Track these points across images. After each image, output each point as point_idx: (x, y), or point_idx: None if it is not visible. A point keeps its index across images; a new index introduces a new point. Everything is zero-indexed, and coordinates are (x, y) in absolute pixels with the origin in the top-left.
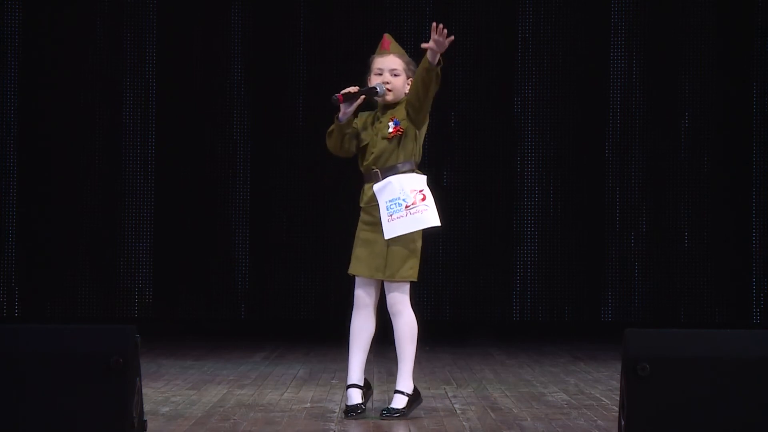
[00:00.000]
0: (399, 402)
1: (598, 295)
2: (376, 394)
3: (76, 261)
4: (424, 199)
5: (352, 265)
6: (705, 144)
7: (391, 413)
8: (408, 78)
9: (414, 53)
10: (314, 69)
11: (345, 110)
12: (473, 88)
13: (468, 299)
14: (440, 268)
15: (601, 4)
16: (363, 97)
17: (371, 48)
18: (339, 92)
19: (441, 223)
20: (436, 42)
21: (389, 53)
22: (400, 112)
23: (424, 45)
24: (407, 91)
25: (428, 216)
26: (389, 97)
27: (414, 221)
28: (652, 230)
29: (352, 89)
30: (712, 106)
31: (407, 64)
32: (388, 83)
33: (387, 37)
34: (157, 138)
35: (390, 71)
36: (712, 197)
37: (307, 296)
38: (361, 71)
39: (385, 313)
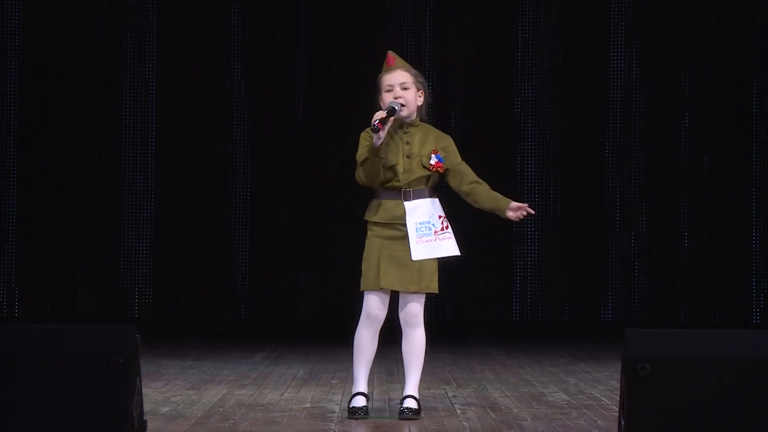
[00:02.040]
0: (413, 403)
1: (598, 295)
2: (376, 394)
3: (76, 261)
4: (448, 227)
5: (381, 279)
6: (705, 144)
7: (411, 411)
8: (418, 90)
9: (414, 53)
10: (314, 69)
11: (381, 135)
12: (473, 88)
13: (468, 299)
14: (440, 268)
15: (601, 4)
16: (392, 118)
17: (371, 48)
18: (374, 121)
19: (460, 253)
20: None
21: (396, 68)
22: (441, 143)
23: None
24: (420, 104)
25: (452, 244)
26: (404, 112)
27: (440, 247)
28: (652, 230)
29: (382, 114)
30: (712, 106)
31: (415, 76)
32: (400, 97)
33: (391, 54)
34: (157, 138)
35: (399, 85)
36: (712, 197)
37: (307, 296)
38: (361, 71)
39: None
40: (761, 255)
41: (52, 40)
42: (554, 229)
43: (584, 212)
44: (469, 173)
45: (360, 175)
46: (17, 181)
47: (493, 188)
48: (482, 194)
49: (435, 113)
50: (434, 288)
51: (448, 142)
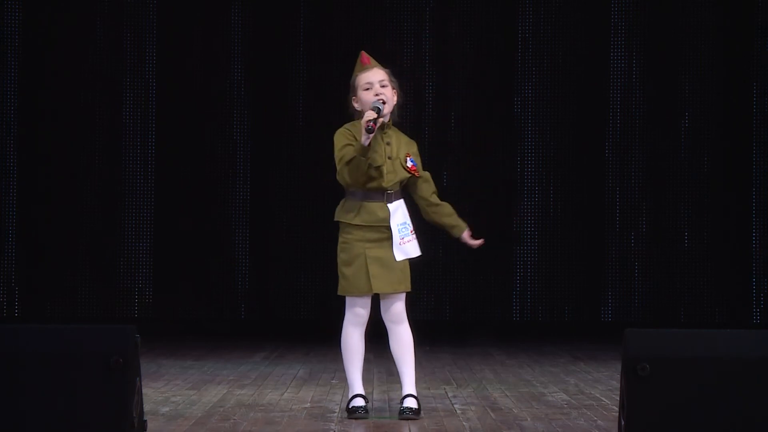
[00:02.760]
0: (414, 403)
1: (598, 295)
2: (376, 394)
3: (76, 261)
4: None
5: (373, 284)
6: (705, 144)
7: (412, 411)
8: (393, 89)
9: (414, 53)
10: (314, 69)
11: (371, 136)
12: (473, 88)
13: (468, 299)
14: (440, 268)
15: (601, 4)
16: (381, 119)
17: (371, 48)
18: (368, 122)
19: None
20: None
21: (372, 67)
22: (411, 148)
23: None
24: (395, 102)
25: (417, 245)
26: (384, 109)
27: (415, 247)
28: (652, 230)
29: (373, 114)
30: (712, 106)
31: (389, 75)
32: (380, 95)
33: (365, 54)
34: (157, 138)
35: (379, 82)
36: (712, 197)
37: (307, 296)
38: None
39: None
40: (761, 255)
41: (52, 40)
42: (554, 229)
43: (584, 212)
44: (433, 184)
45: (344, 175)
46: (17, 181)
47: (492, 184)
48: (446, 210)
49: (435, 113)
50: (409, 286)
51: (416, 148)
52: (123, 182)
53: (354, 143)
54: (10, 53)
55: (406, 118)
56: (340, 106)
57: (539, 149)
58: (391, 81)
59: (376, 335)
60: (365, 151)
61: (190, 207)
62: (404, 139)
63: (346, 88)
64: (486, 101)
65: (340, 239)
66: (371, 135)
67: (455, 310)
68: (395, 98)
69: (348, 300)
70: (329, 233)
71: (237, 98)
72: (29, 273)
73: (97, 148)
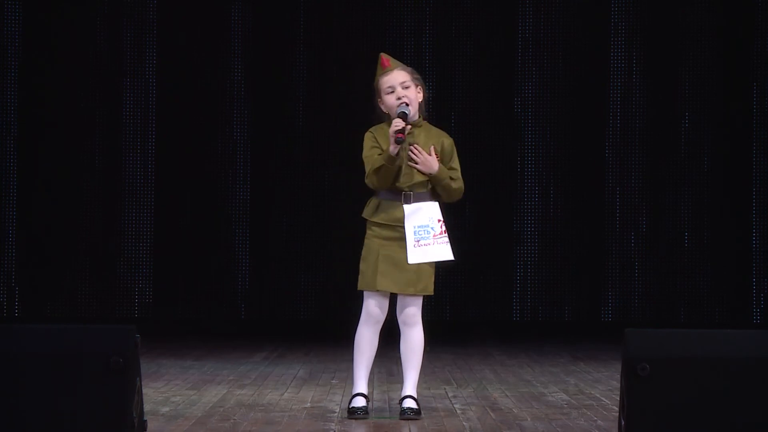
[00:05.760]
0: (414, 404)
1: (598, 295)
2: (376, 394)
3: (76, 261)
4: (445, 231)
5: (378, 281)
6: (705, 144)
7: (412, 411)
8: (417, 86)
9: (414, 53)
10: (314, 69)
11: (399, 146)
12: (473, 88)
13: (468, 299)
14: (440, 268)
15: (601, 4)
16: (409, 126)
17: (372, 48)
18: (396, 133)
19: (454, 258)
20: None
21: (392, 69)
22: (437, 138)
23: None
24: (420, 100)
25: (448, 249)
26: (411, 110)
27: (438, 251)
28: (652, 230)
29: (401, 123)
30: (712, 106)
31: (411, 73)
32: (403, 97)
33: (384, 56)
34: (157, 138)
35: (400, 84)
36: (712, 197)
37: (307, 296)
38: (361, 70)
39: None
40: (761, 255)
41: (52, 40)
42: (554, 229)
43: (584, 212)
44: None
45: (373, 180)
46: (17, 181)
47: (492, 185)
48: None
49: (435, 113)
50: (431, 290)
51: (448, 141)
52: (123, 182)
53: (378, 146)
54: (10, 53)
55: None
56: (340, 106)
57: (539, 149)
58: (414, 79)
59: (381, 335)
60: (393, 160)
61: (190, 207)
62: (434, 132)
63: (346, 87)
64: (486, 101)
65: (365, 235)
66: (399, 145)
67: (455, 310)
68: (421, 95)
69: (364, 296)
70: (329, 233)
71: (237, 98)
72: (29, 273)
73: (97, 148)
